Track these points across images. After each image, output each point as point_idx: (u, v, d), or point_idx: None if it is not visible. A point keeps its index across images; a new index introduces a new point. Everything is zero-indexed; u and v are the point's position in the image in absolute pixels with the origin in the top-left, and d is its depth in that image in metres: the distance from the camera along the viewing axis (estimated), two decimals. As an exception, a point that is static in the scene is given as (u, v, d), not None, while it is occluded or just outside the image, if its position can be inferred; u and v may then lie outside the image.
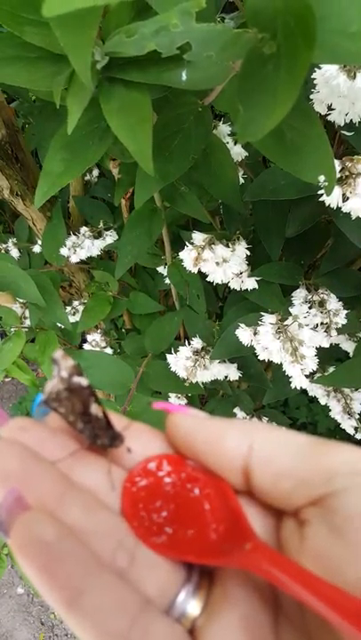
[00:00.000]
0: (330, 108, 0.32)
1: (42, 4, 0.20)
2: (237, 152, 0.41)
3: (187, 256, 0.39)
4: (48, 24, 0.25)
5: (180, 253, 0.39)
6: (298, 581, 0.12)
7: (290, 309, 0.42)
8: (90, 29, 0.24)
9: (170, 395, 0.64)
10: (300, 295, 0.43)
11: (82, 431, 0.18)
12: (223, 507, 0.16)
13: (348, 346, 0.48)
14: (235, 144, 0.41)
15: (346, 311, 0.42)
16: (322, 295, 0.42)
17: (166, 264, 0.57)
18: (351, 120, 0.32)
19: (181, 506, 0.17)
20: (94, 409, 0.18)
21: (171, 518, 0.17)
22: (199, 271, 0.42)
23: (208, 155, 0.40)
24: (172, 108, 0.34)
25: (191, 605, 0.15)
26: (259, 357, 0.40)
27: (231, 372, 0.50)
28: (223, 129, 0.41)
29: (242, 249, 0.42)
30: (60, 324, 0.65)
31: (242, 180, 0.42)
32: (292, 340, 0.38)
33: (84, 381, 0.18)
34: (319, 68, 0.31)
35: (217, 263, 0.39)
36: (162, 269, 0.59)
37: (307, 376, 0.37)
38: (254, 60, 0.20)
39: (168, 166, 0.35)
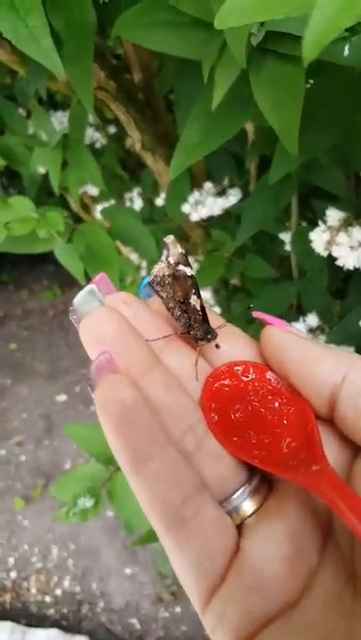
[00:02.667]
0: None
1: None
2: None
3: (318, 238, 0.36)
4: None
5: (310, 233, 0.37)
6: (355, 513, 0.12)
7: None
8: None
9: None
10: None
11: (178, 319, 0.19)
12: (301, 426, 0.16)
13: None
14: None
15: None
16: None
17: (289, 230, 0.54)
18: None
19: (259, 413, 0.17)
20: (194, 300, 0.19)
21: (245, 422, 0.17)
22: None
23: (356, 122, 0.36)
24: (323, 78, 0.31)
25: (245, 504, 0.16)
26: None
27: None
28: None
29: (380, 231, 0.38)
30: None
31: (392, 154, 0.38)
32: None
33: (188, 271, 0.19)
34: None
35: (351, 247, 0.36)
36: (283, 235, 0.57)
37: None
38: None
39: (312, 140, 0.32)
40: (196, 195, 0.61)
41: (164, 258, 0.19)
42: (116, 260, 0.49)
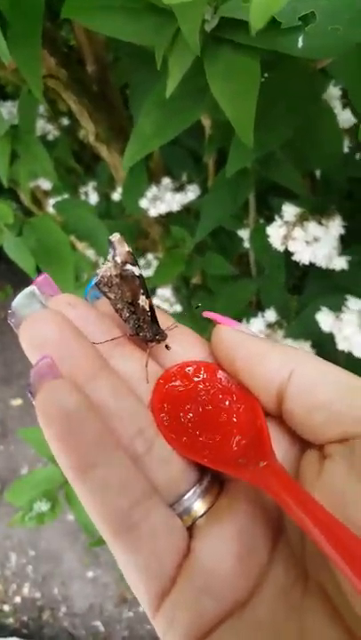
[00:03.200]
0: None
1: None
2: (345, 118, 0.37)
3: (274, 233, 0.36)
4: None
5: (267, 228, 0.37)
6: (303, 508, 0.12)
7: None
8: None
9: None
10: (392, 282, 0.40)
11: (127, 320, 0.18)
12: (250, 423, 0.16)
13: None
14: (343, 109, 0.37)
15: None
16: None
17: (247, 227, 0.54)
18: None
19: (209, 413, 0.17)
20: (142, 300, 0.18)
21: (196, 422, 0.17)
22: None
23: (313, 119, 0.36)
24: (278, 70, 0.30)
25: (196, 505, 0.16)
26: (338, 347, 0.38)
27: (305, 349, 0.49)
28: (332, 92, 0.36)
29: (336, 226, 0.38)
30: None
31: (346, 150, 0.38)
32: (379, 334, 0.35)
33: (136, 270, 0.18)
34: None
35: (307, 242, 0.36)
36: (241, 232, 0.57)
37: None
38: None
39: (268, 134, 0.32)
40: (153, 190, 0.59)
41: (110, 257, 0.18)
42: (70, 255, 0.48)
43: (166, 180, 0.60)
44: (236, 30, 0.24)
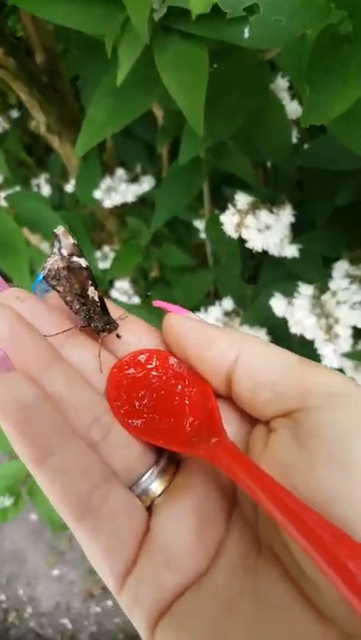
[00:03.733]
0: None
1: None
2: (293, 109, 0.38)
3: (228, 221, 0.37)
4: None
5: (221, 216, 0.38)
6: (252, 479, 0.13)
7: (329, 284, 0.40)
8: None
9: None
10: (341, 268, 0.41)
11: (77, 312, 0.19)
12: (202, 405, 0.17)
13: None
14: (291, 100, 0.38)
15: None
16: (364, 271, 0.40)
17: (203, 218, 0.55)
18: None
19: (163, 397, 0.18)
20: (91, 291, 0.19)
21: (150, 406, 0.18)
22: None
23: (262, 110, 0.37)
24: (228, 60, 0.31)
25: (154, 485, 0.17)
26: (291, 330, 0.40)
27: (260, 337, 0.50)
28: (280, 83, 0.37)
29: (287, 215, 0.39)
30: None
31: (295, 140, 0.39)
32: (328, 316, 0.37)
33: (83, 262, 0.19)
34: None
35: (259, 230, 0.37)
36: (197, 223, 0.57)
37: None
38: (328, 40, 0.18)
39: (218, 123, 0.33)
40: (108, 181, 0.59)
41: (56, 250, 0.19)
42: (24, 248, 0.47)
43: (120, 171, 0.60)
44: (184, 20, 0.25)
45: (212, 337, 0.17)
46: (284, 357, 0.16)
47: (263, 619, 0.13)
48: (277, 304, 0.41)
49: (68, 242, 0.18)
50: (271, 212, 0.38)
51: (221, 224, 0.38)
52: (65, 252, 0.18)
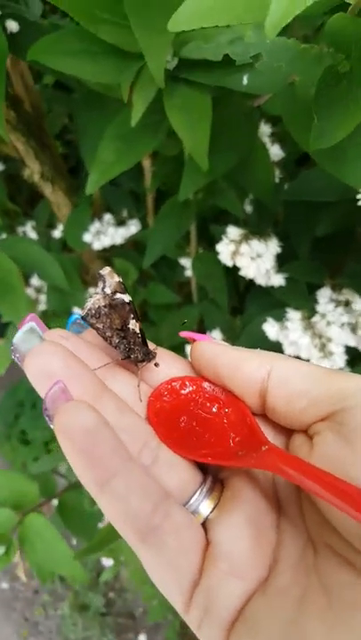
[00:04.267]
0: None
1: (118, 6, 0.21)
2: (275, 152, 0.42)
3: (224, 249, 0.40)
4: (123, 24, 0.26)
5: (217, 246, 0.41)
6: (308, 475, 0.14)
7: (316, 308, 0.44)
8: (169, 34, 0.25)
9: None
10: (325, 294, 0.45)
11: (117, 346, 0.19)
12: (240, 422, 0.18)
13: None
14: (272, 144, 0.43)
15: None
16: (347, 296, 0.44)
17: (187, 256, 0.58)
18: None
19: (202, 419, 0.19)
20: (132, 324, 0.19)
21: (192, 428, 0.19)
22: (223, 265, 0.43)
23: (250, 152, 0.42)
24: (224, 106, 0.35)
25: (204, 504, 0.17)
26: (285, 352, 0.42)
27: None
28: (264, 129, 0.42)
29: (274, 245, 0.43)
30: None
31: (277, 180, 0.44)
32: (321, 336, 0.40)
33: (126, 298, 0.19)
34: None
35: (252, 258, 0.41)
36: (183, 261, 0.61)
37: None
38: (330, 77, 0.22)
39: (216, 162, 0.37)
40: (97, 225, 0.62)
41: (99, 289, 0.19)
42: (21, 287, 0.48)
43: (108, 216, 0.63)
44: (193, 70, 0.29)
45: (243, 357, 0.18)
46: (313, 368, 0.17)
47: (337, 607, 0.14)
48: (270, 329, 0.44)
49: (113, 280, 0.19)
50: (260, 241, 0.42)
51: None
52: (109, 290, 0.19)
